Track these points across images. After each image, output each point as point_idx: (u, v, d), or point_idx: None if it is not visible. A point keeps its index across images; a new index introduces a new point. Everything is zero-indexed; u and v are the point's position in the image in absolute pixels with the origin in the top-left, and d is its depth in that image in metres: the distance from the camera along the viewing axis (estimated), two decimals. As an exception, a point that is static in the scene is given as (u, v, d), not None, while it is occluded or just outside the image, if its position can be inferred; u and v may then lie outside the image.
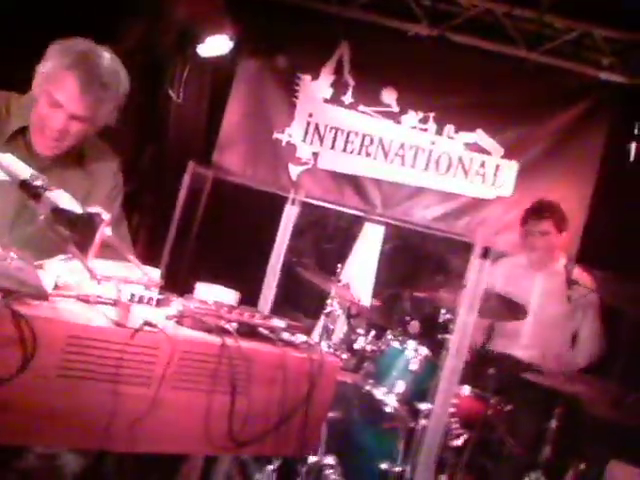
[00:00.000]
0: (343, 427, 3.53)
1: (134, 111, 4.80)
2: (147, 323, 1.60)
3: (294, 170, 5.26)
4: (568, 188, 4.84)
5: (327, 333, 4.20)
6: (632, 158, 4.63)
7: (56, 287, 1.76)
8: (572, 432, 3.63)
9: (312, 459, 3.35)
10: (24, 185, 1.65)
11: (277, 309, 3.91)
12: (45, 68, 2.24)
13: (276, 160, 5.27)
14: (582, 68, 4.83)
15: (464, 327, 2.75)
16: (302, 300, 4.64)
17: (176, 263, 4.72)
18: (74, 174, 2.40)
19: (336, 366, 2.06)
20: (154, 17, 4.72)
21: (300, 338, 1.98)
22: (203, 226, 5.03)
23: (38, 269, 1.77)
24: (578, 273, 4.05)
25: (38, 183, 1.64)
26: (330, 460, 3.40)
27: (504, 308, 3.76)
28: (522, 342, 4.18)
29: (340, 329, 4.39)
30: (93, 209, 1.74)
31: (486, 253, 2.69)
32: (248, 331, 1.90)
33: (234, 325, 1.84)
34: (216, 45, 4.99)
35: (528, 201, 4.59)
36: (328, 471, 3.40)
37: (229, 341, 1.76)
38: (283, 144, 5.27)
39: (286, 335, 1.96)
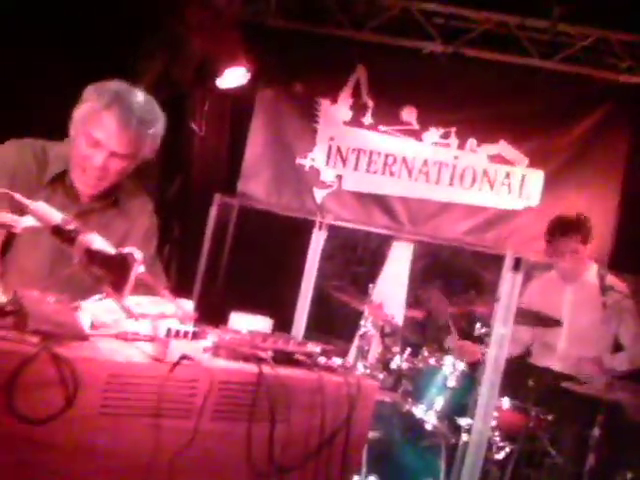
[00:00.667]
0: (384, 447, 3.54)
1: (159, 147, 4.93)
2: (184, 357, 1.63)
3: (319, 194, 5.30)
4: (596, 193, 4.83)
5: (362, 354, 4.22)
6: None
7: (93, 326, 1.80)
8: (616, 440, 3.59)
9: (355, 479, 3.34)
10: (57, 230, 1.70)
11: (311, 333, 3.95)
12: (82, 110, 2.31)
13: (300, 185, 5.32)
14: (600, 73, 4.83)
15: (500, 340, 2.74)
16: (336, 323, 4.65)
17: (208, 293, 4.77)
18: (113, 215, 2.46)
19: (374, 387, 2.07)
20: (172, 53, 4.82)
21: (336, 362, 1.99)
22: (232, 255, 5.09)
23: (76, 310, 1.82)
24: (612, 279, 4.02)
25: (70, 227, 1.69)
26: (373, 480, 3.40)
27: (537, 321, 3.76)
28: (559, 354, 4.17)
29: (375, 349, 4.40)
30: (126, 249, 1.77)
31: (518, 265, 2.69)
32: (284, 358, 1.92)
33: (269, 353, 1.86)
34: (234, 77, 5.07)
35: (556, 209, 4.60)
36: (372, 492, 3.40)
37: (266, 369, 1.78)
38: (306, 169, 5.32)
39: (322, 360, 1.97)
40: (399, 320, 4.53)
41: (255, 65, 5.11)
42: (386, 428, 3.59)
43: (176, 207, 5.01)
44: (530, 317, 3.71)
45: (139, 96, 2.36)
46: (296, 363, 1.92)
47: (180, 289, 4.90)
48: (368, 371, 3.94)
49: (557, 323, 3.79)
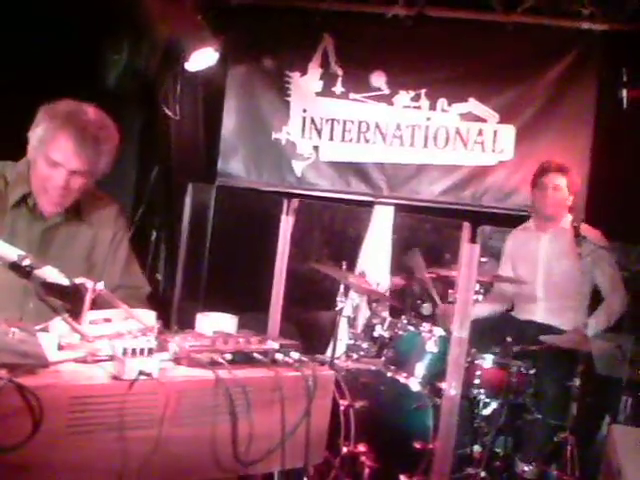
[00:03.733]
0: (372, 414, 3.67)
1: (135, 135, 4.99)
2: (142, 372, 1.75)
3: (297, 166, 5.37)
4: (568, 144, 4.88)
5: (350, 323, 4.36)
6: (625, 105, 4.62)
7: (60, 347, 1.92)
8: (596, 389, 3.71)
9: (344, 449, 3.50)
10: (14, 266, 1.81)
11: (298, 310, 4.06)
12: (37, 133, 2.40)
13: (279, 160, 5.39)
14: (562, 22, 4.84)
15: (464, 305, 2.84)
16: (322, 297, 4.76)
17: (190, 282, 4.89)
18: (78, 229, 2.58)
19: (330, 378, 2.19)
20: (138, 42, 4.84)
21: (294, 356, 2.11)
22: (214, 239, 5.19)
23: (43, 331, 1.94)
24: (586, 229, 4.09)
25: (26, 263, 1.80)
26: (362, 448, 3.54)
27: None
28: (540, 305, 4.27)
29: (363, 317, 4.53)
30: (78, 280, 1.88)
31: (474, 237, 2.79)
32: (244, 358, 2.04)
33: (228, 357, 1.98)
34: (202, 58, 5.08)
35: (530, 162, 4.70)
36: (362, 458, 3.54)
37: (223, 373, 1.90)
38: (283, 143, 5.38)
39: (280, 356, 2.09)
40: (385, 286, 4.63)
41: (222, 44, 5.13)
42: (373, 396, 3.71)
43: (158, 193, 5.09)
44: (501, 279, 3.82)
45: (91, 114, 2.45)
46: (254, 362, 2.04)
47: (168, 279, 5.04)
48: (353, 341, 4.08)
49: (522, 282, 3.91)
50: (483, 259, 3.75)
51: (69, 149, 2.36)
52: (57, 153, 2.36)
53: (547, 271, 4.25)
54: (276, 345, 2.11)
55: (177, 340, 2.01)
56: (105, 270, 2.59)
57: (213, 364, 1.92)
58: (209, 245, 5.18)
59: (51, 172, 2.39)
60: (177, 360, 1.95)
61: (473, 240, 2.77)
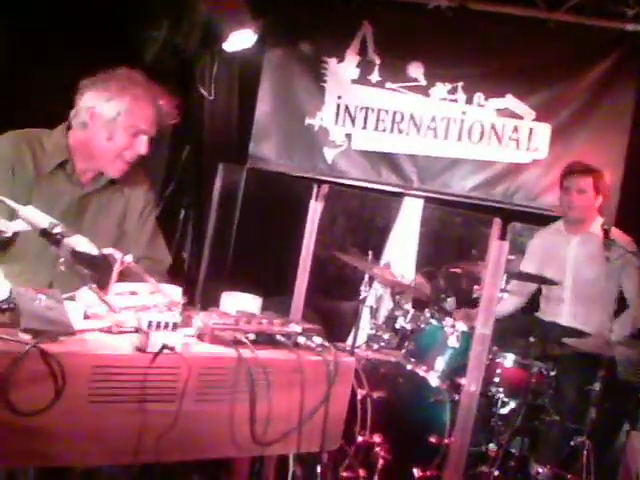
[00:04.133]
0: (389, 406, 3.66)
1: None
2: (165, 347, 1.76)
3: (329, 154, 5.35)
4: (603, 146, 4.80)
5: (372, 314, 4.34)
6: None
7: (86, 317, 1.94)
8: (616, 395, 3.67)
9: (360, 439, 3.49)
10: (44, 233, 1.82)
11: (320, 299, 4.04)
12: (113, 104, 2.45)
13: (311, 145, 5.37)
14: (606, 22, 4.75)
15: (489, 302, 2.81)
16: (346, 286, 4.76)
17: (217, 262, 4.90)
18: (111, 197, 2.62)
19: (351, 365, 2.18)
20: (177, 19, 4.86)
21: (316, 341, 2.11)
22: (242, 221, 5.19)
23: (69, 300, 1.96)
24: (616, 233, 4.02)
25: (57, 230, 1.81)
26: (377, 438, 3.54)
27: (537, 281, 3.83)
28: (565, 307, 4.22)
29: (386, 308, 4.51)
30: (107, 250, 1.90)
31: (504, 233, 2.76)
32: (266, 339, 2.04)
33: (251, 336, 1.98)
34: (241, 39, 5.08)
35: (564, 162, 4.62)
36: (376, 449, 3.54)
37: (246, 353, 1.90)
38: (316, 129, 5.36)
39: (302, 339, 2.09)
40: (410, 278, 4.61)
41: (261, 27, 5.12)
42: (391, 387, 3.70)
43: (188, 173, 5.10)
44: (530, 278, 3.78)
45: (152, 83, 2.53)
46: (277, 344, 2.04)
47: (194, 258, 5.06)
48: (374, 332, 4.06)
49: (555, 283, 3.86)
50: (511, 257, 3.71)
51: (152, 116, 2.48)
52: (143, 122, 2.47)
53: (575, 275, 4.20)
54: (299, 329, 2.11)
55: (201, 317, 2.02)
56: (134, 239, 2.62)
57: (236, 343, 1.92)
58: (237, 226, 5.19)
59: (133, 140, 2.47)
60: (200, 337, 1.96)
61: (503, 237, 2.75)
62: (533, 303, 4.43)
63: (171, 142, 4.83)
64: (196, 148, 5.20)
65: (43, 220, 1.83)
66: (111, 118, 2.45)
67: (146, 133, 2.49)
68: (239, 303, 2.31)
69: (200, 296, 4.51)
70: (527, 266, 4.39)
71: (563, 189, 4.25)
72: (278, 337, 2.05)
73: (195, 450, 1.86)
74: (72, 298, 1.99)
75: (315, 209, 3.23)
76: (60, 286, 1.99)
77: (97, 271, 1.82)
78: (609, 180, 4.35)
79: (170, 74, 4.87)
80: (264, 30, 5.14)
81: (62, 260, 1.78)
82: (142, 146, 2.49)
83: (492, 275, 2.76)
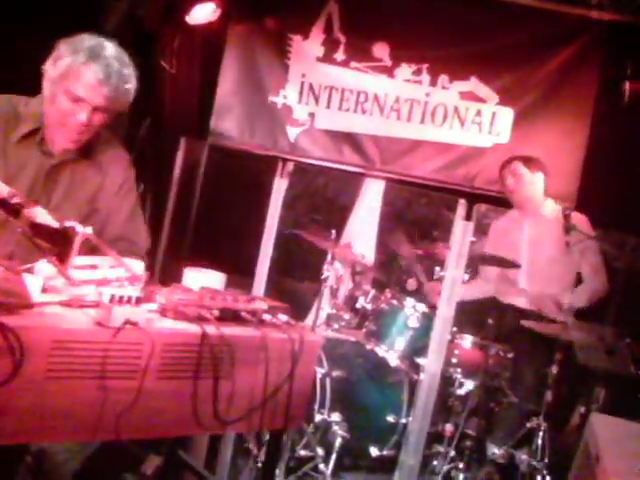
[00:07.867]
0: (348, 385, 3.67)
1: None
2: (127, 322, 1.71)
3: (292, 132, 5.29)
4: (564, 132, 4.83)
5: (332, 293, 4.33)
6: (627, 98, 4.58)
7: (44, 290, 1.87)
8: (572, 377, 3.73)
9: (318, 417, 3.49)
10: (2, 203, 1.75)
11: (280, 277, 4.02)
12: (59, 68, 2.33)
13: (273, 123, 5.29)
14: (571, 9, 4.76)
15: (452, 282, 2.83)
16: (306, 265, 4.74)
17: (178, 235, 4.82)
18: (86, 169, 2.51)
19: (317, 343, 2.16)
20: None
21: (281, 318, 2.08)
22: (203, 196, 5.12)
23: (27, 272, 1.89)
24: (577, 218, 4.07)
25: (15, 201, 1.74)
26: (336, 417, 3.54)
27: (498, 263, 3.86)
28: (521, 290, 4.27)
29: (345, 288, 4.51)
30: (69, 223, 1.83)
31: (469, 216, 2.76)
32: (231, 316, 2.00)
33: (215, 312, 1.94)
34: (203, 13, 4.98)
35: (525, 147, 4.66)
36: (335, 427, 3.55)
37: (210, 329, 1.86)
38: (279, 107, 5.28)
39: (268, 317, 2.06)
40: (370, 258, 4.61)
41: (225, 0, 5.02)
42: (350, 367, 3.71)
43: (148, 147, 5.00)
44: (492, 260, 3.81)
45: (114, 50, 2.40)
46: (242, 321, 2.00)
47: (153, 233, 4.97)
48: (334, 311, 4.06)
49: (514, 265, 3.90)
50: (472, 238, 3.73)
51: (95, 84, 2.30)
52: (81, 88, 2.31)
53: (529, 257, 4.25)
54: (265, 305, 2.07)
55: (165, 292, 1.97)
56: (109, 218, 2.52)
57: (200, 319, 1.88)
58: (197, 202, 5.11)
59: (73, 107, 2.33)
60: (163, 312, 1.91)
61: (468, 218, 2.75)
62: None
63: (131, 115, 4.71)
64: (156, 122, 5.10)
65: (1, 189, 1.76)
66: (54, 79, 2.34)
67: (86, 101, 2.32)
68: (202, 279, 2.26)
69: (159, 272, 4.43)
70: (488, 251, 4.43)
71: (501, 179, 4.39)
72: (243, 314, 2.01)
73: (157, 428, 1.82)
74: (30, 270, 1.93)
75: (279, 186, 3.19)
76: (22, 257, 1.92)
77: (57, 244, 1.76)
78: (570, 165, 4.40)
79: (131, 45, 4.75)
80: (228, 4, 5.04)
81: (19, 231, 1.71)
82: (81, 114, 2.32)
83: (456, 255, 2.77)
